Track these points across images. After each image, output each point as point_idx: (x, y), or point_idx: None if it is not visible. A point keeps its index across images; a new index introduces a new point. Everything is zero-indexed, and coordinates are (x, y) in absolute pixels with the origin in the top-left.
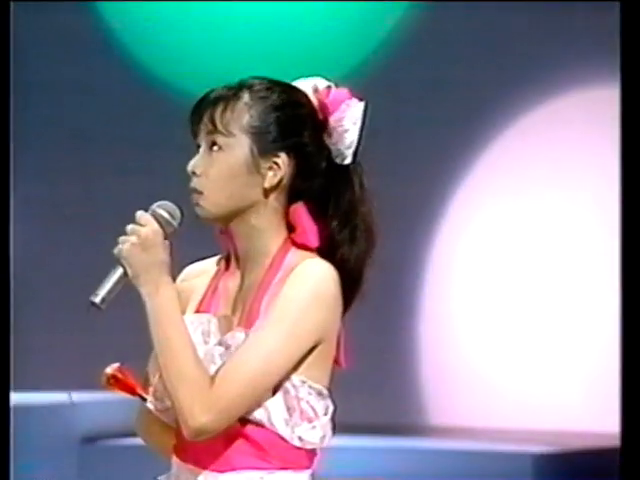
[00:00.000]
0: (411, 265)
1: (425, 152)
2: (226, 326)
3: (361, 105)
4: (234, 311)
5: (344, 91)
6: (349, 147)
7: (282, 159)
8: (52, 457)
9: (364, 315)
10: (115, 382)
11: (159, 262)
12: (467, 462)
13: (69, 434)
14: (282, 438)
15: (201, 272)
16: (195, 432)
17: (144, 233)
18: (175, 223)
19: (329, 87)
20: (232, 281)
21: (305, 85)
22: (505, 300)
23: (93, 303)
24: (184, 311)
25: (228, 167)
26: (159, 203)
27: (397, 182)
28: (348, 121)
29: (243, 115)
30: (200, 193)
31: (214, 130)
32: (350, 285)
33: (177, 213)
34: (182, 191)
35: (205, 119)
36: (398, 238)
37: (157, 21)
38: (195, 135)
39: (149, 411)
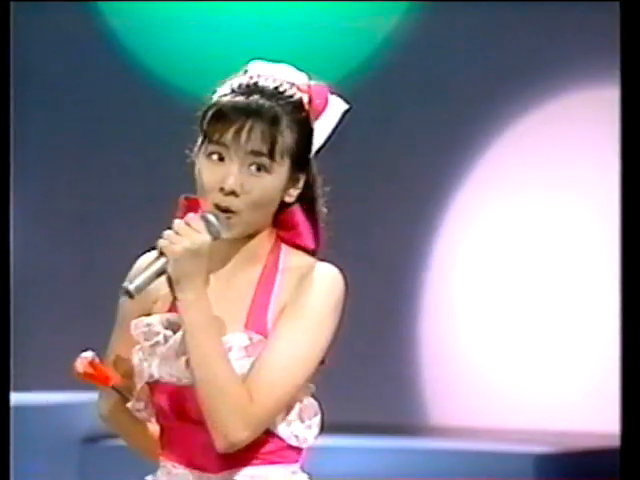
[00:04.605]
0: (412, 265)
1: (424, 153)
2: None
3: (343, 107)
4: (221, 311)
5: (324, 87)
6: (321, 144)
7: (302, 177)
8: (52, 457)
9: (364, 315)
10: (87, 376)
11: (201, 272)
12: (467, 462)
13: (70, 434)
14: (279, 437)
15: None
16: (232, 446)
17: (199, 241)
18: (218, 235)
19: (308, 85)
20: (213, 280)
21: (299, 80)
22: (506, 300)
23: (127, 291)
24: (149, 308)
25: (273, 190)
26: (210, 211)
27: (397, 183)
28: (326, 120)
29: (287, 139)
30: (234, 213)
31: (263, 153)
32: None
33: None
34: (182, 191)
35: (256, 138)
36: (398, 239)
37: (158, 21)
38: (218, 142)
39: (116, 400)
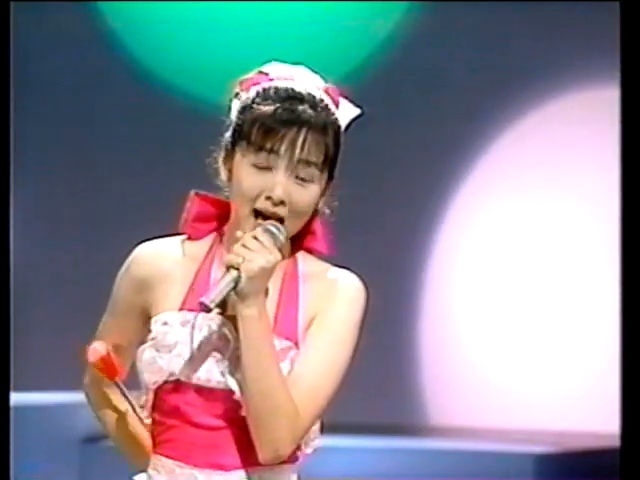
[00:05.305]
0: (412, 265)
1: (424, 154)
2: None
3: (354, 112)
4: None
5: (337, 90)
6: None
7: (329, 186)
8: (53, 457)
9: (364, 315)
10: (96, 367)
11: (265, 288)
12: (467, 462)
13: (70, 434)
14: None
15: (164, 257)
16: (279, 458)
17: (274, 260)
18: (281, 245)
19: (327, 89)
20: None
21: (318, 83)
22: (505, 300)
23: (205, 306)
24: (144, 301)
25: (315, 199)
26: (272, 223)
27: (396, 183)
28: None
29: (329, 151)
30: (281, 218)
31: (316, 165)
32: None
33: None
34: (182, 191)
35: (311, 149)
36: (398, 238)
37: (158, 21)
38: (270, 152)
39: (101, 384)
